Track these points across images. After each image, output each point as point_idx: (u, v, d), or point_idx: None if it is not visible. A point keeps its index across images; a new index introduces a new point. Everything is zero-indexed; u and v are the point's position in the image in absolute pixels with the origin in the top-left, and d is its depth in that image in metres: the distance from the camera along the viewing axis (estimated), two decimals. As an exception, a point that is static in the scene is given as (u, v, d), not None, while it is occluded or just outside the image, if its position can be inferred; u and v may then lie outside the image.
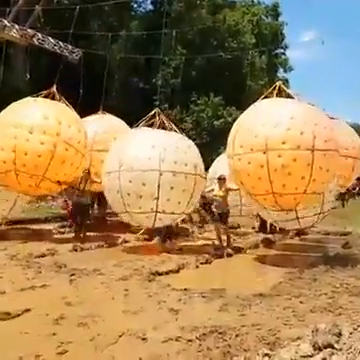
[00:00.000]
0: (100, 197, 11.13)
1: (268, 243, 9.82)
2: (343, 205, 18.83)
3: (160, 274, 6.57)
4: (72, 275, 6.34)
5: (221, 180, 9.07)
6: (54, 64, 17.84)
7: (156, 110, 9.79)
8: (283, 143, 6.92)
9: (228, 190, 8.97)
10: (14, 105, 9.56)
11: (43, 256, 7.77)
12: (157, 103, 19.21)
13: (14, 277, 6.23)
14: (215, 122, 24.57)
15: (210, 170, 11.31)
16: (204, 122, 25.13)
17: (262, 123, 7.16)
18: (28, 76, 16.37)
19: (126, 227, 10.17)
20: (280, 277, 6.48)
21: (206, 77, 25.09)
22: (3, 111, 9.53)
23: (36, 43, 15.34)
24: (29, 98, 9.77)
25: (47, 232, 10.60)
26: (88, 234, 9.74)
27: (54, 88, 10.03)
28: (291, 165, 6.90)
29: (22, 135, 8.69)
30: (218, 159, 11.93)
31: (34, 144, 8.68)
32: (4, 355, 3.54)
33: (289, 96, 8.02)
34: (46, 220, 12.22)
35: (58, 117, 9.07)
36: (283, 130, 7.01)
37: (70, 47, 16.00)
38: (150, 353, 3.61)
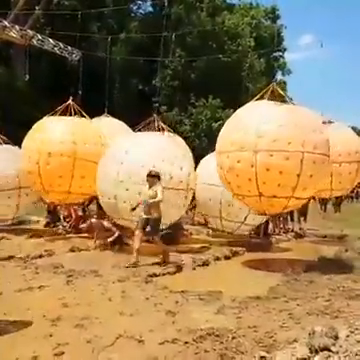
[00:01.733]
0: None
1: (265, 246, 9.84)
2: (336, 211, 18.85)
3: (157, 276, 6.58)
4: (69, 276, 6.34)
5: (152, 178, 7.48)
6: (54, 65, 17.91)
7: (154, 116, 9.87)
8: (274, 141, 6.88)
9: (162, 191, 7.34)
10: (35, 128, 9.98)
11: (40, 257, 7.77)
12: (156, 105, 19.23)
13: (11, 278, 6.24)
14: (213, 124, 24.64)
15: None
16: (202, 124, 25.19)
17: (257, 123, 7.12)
18: (27, 77, 16.38)
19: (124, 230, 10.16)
20: (277, 280, 6.49)
21: (205, 79, 25.17)
22: (29, 133, 9.97)
23: (36, 44, 15.35)
24: (47, 119, 10.07)
25: (44, 233, 10.56)
26: (86, 236, 9.79)
27: (70, 101, 10.33)
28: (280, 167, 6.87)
29: (43, 160, 9.38)
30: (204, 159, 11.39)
31: (54, 167, 9.32)
32: (1, 356, 3.54)
33: (284, 100, 8.05)
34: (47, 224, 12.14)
35: (73, 138, 9.50)
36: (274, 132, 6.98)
37: (69, 48, 16.03)
38: (147, 355, 3.61)
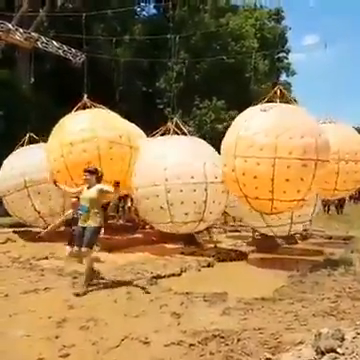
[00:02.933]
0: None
1: (271, 247, 9.80)
2: (338, 212, 18.79)
3: (162, 277, 6.58)
4: (75, 278, 6.34)
5: (91, 174, 6.02)
6: (58, 68, 17.96)
7: (170, 121, 9.93)
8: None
9: (104, 193, 5.94)
10: (56, 128, 9.78)
11: (46, 259, 7.79)
12: (160, 107, 19.26)
13: (17, 280, 6.26)
14: (217, 126, 24.59)
15: None
16: (206, 126, 25.16)
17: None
18: (32, 80, 16.47)
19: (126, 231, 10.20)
20: (282, 281, 6.47)
21: (209, 81, 25.14)
22: (51, 135, 9.79)
23: (40, 46, 15.44)
24: (65, 117, 9.98)
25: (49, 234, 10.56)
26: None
27: (85, 98, 10.41)
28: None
29: (66, 151, 9.05)
30: None
31: (78, 154, 8.92)
32: (7, 358, 3.55)
33: (288, 101, 8.11)
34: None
35: (92, 125, 9.28)
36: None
37: (73, 51, 16.10)
38: (152, 357, 3.61)
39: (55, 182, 7.10)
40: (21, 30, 15.39)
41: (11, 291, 5.58)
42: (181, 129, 10.04)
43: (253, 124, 7.48)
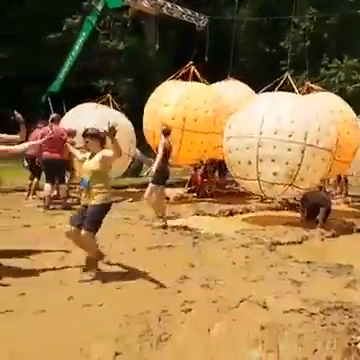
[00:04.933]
0: (221, 165, 11.28)
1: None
2: None
3: (281, 244, 6.45)
4: (195, 238, 6.59)
5: (91, 138, 4.76)
6: (181, 32, 18.16)
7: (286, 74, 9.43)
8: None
9: (108, 160, 4.69)
10: (156, 91, 10.78)
11: (169, 219, 8.18)
12: (284, 68, 18.34)
13: (144, 236, 6.72)
14: (348, 87, 22.70)
15: None
16: (335, 87, 23.39)
17: None
18: (157, 46, 17.01)
19: (244, 196, 10.18)
20: None
21: (339, 38, 23.13)
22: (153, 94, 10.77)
23: (165, 12, 15.72)
24: (165, 83, 10.81)
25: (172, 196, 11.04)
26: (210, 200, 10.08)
27: (191, 65, 10.67)
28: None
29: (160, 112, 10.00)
30: None
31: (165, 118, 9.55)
32: (133, 308, 3.83)
33: None
34: (170, 184, 12.75)
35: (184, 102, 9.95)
36: None
37: (197, 14, 16.06)
38: (271, 321, 3.59)
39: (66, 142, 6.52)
40: (147, -4, 15.81)
41: (138, 246, 6.01)
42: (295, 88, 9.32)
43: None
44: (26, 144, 5.26)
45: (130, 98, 17.98)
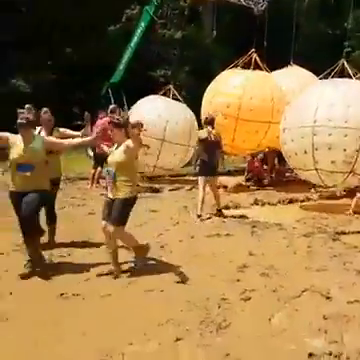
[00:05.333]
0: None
1: None
2: None
3: (346, 234, 6.19)
4: (254, 227, 6.49)
5: (116, 127, 4.55)
6: (239, 18, 17.79)
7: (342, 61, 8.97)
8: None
9: (130, 150, 4.45)
10: (212, 85, 10.68)
11: (227, 208, 8.13)
12: (348, 50, 17.44)
13: (201, 224, 6.74)
14: None
15: None
16: None
17: None
18: (214, 33, 16.80)
19: (304, 184, 9.85)
20: None
21: None
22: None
23: (223, -2, 15.46)
24: (224, 72, 10.67)
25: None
26: (269, 189, 9.98)
27: (253, 54, 10.53)
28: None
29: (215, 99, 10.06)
30: None
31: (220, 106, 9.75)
32: (193, 295, 3.88)
33: None
34: (229, 172, 12.68)
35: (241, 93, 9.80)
36: None
37: (256, -2, 15.63)
38: (334, 312, 3.48)
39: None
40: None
41: (196, 234, 6.04)
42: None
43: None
44: (78, 140, 5.43)
45: (188, 87, 17.99)
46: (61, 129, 5.79)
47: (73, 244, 5.45)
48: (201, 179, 7.36)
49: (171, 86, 11.88)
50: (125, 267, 4.67)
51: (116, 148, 4.58)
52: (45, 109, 5.88)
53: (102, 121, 9.26)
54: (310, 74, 11.64)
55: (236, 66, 10.60)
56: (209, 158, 7.31)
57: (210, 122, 7.40)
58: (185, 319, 3.44)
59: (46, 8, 17.84)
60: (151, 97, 11.42)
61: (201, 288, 4.06)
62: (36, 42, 17.66)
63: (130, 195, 4.48)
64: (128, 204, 4.49)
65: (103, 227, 4.55)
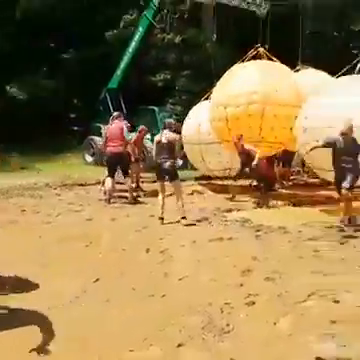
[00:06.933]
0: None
1: None
2: None
3: (355, 238, 6.00)
4: (257, 231, 6.34)
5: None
6: (240, 21, 17.70)
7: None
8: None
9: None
10: (223, 79, 10.04)
11: (229, 211, 8.00)
12: (354, 51, 17.28)
13: (203, 228, 6.60)
14: None
15: None
16: None
17: None
18: (215, 36, 16.69)
19: (312, 187, 9.74)
20: None
21: None
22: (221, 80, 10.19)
23: (224, 1, 15.38)
24: (235, 68, 10.08)
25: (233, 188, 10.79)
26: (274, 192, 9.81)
27: (260, 47, 10.45)
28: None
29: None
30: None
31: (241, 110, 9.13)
32: (195, 300, 3.76)
33: None
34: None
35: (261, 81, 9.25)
36: None
37: (257, 1, 15.55)
38: (344, 315, 3.34)
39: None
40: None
41: (198, 238, 5.89)
42: None
43: None
44: None
45: (187, 91, 17.88)
46: None
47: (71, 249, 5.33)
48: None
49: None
50: (126, 269, 4.55)
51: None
52: None
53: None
54: (322, 74, 11.36)
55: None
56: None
57: (168, 126, 7.11)
58: (187, 324, 3.34)
59: (44, 14, 17.89)
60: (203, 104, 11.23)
61: (203, 293, 3.95)
62: (33, 48, 17.75)
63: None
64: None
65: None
